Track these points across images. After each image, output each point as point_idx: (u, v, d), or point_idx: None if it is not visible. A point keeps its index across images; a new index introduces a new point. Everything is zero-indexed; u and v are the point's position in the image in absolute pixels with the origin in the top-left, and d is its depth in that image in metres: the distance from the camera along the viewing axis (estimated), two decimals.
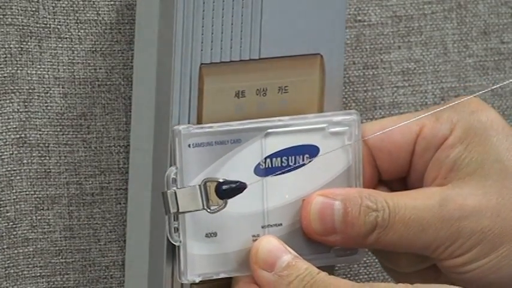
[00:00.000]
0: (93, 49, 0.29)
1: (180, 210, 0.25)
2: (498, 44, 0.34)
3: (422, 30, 0.33)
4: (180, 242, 0.25)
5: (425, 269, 0.26)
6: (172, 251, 0.26)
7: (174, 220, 0.25)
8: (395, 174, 0.27)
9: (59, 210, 0.29)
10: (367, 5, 0.32)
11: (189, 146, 0.24)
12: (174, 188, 0.25)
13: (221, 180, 0.24)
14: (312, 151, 0.26)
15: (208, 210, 0.24)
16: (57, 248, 0.29)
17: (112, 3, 0.29)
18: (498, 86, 0.30)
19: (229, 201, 0.24)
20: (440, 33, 0.33)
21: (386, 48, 0.33)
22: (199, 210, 0.24)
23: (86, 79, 0.29)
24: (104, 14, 0.29)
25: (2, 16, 0.28)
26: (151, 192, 0.27)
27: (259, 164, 0.25)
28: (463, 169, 0.26)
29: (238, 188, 0.24)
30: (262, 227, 0.25)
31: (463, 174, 0.26)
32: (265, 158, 0.25)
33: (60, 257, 0.29)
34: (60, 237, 0.29)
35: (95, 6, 0.29)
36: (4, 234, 0.28)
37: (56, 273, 0.29)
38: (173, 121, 0.26)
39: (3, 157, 0.28)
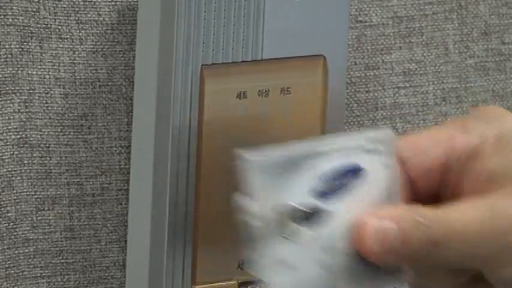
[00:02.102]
0: (94, 50, 0.29)
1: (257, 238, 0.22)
2: (499, 44, 0.33)
3: (423, 31, 0.33)
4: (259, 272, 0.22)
5: (463, 283, 0.25)
6: (174, 253, 0.26)
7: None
8: (429, 190, 0.26)
9: (60, 211, 0.29)
10: (368, 6, 0.32)
11: (258, 172, 0.22)
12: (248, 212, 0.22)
13: (295, 205, 0.22)
14: (356, 171, 0.24)
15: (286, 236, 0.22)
16: (57, 249, 0.29)
17: (113, 3, 0.28)
18: None
19: None
20: (441, 33, 0.33)
21: (388, 49, 0.33)
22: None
23: (87, 80, 0.29)
24: (105, 14, 0.28)
25: (2, 16, 0.27)
26: (152, 192, 0.27)
27: (313, 185, 0.23)
28: (502, 178, 0.25)
29: (314, 213, 0.22)
30: (324, 252, 0.23)
31: (504, 183, 0.25)
32: (319, 179, 0.23)
33: (60, 257, 0.29)
34: (61, 238, 0.29)
35: (95, 6, 0.28)
36: (5, 234, 0.28)
37: (56, 274, 0.29)
38: (174, 122, 0.26)
39: (3, 157, 0.27)
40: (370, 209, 0.24)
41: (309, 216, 0.22)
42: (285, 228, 0.22)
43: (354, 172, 0.23)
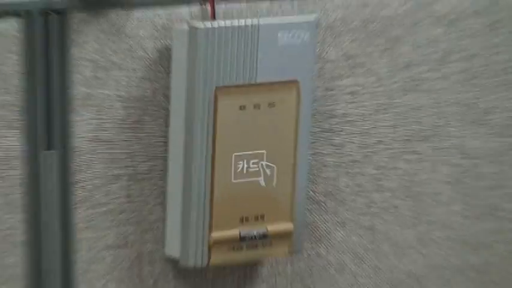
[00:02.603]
0: (143, 77, 0.36)
1: None
2: (417, 74, 0.41)
3: (364, 64, 0.40)
4: None
5: None
6: (197, 211, 0.35)
7: None
8: None
9: (121, 184, 0.37)
10: (327, 47, 0.39)
11: None
12: None
13: None
14: None
15: None
16: (121, 209, 0.37)
17: (155, 44, 0.36)
18: None
19: None
20: (376, 66, 0.41)
21: (340, 76, 0.40)
22: None
23: (138, 97, 0.36)
24: (150, 53, 0.36)
25: (81, 54, 0.34)
26: (183, 173, 0.35)
27: None
28: None
29: None
30: None
31: None
32: None
33: (122, 214, 0.37)
34: (123, 202, 0.37)
35: (144, 48, 0.35)
36: (84, 199, 0.36)
37: (120, 225, 0.37)
38: (197, 124, 0.34)
39: (83, 149, 0.36)
40: None
41: None
42: None
43: None
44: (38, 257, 0.36)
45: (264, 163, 0.37)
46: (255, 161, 0.36)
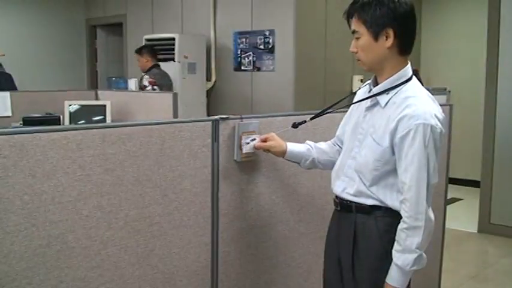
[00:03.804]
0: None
1: (243, 145, 2.10)
2: None
3: None
4: (238, 151, 2.07)
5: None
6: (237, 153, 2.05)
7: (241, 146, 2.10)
8: (264, 141, 1.99)
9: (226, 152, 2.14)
10: None
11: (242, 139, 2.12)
12: (240, 144, 2.08)
13: (246, 142, 2.11)
14: (255, 139, 1.97)
15: (245, 145, 2.10)
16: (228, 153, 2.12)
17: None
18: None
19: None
20: None
21: None
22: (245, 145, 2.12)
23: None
24: (230, 126, 2.08)
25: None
26: (237, 144, 2.10)
27: (249, 140, 2.09)
28: (273, 142, 1.98)
29: (247, 143, 2.10)
30: (250, 147, 2.11)
31: (273, 142, 1.94)
32: (251, 139, 2.07)
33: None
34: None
35: (230, 128, 2.09)
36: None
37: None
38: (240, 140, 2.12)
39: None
40: (256, 143, 1.92)
41: (246, 143, 1.96)
42: (244, 144, 2.01)
43: (253, 140, 1.94)
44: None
45: None
46: None
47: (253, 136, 1.93)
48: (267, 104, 5.22)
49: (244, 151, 1.92)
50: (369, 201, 1.56)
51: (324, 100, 5.21)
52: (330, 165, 1.83)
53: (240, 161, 1.93)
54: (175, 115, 3.78)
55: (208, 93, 5.70)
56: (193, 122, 1.80)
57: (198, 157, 1.82)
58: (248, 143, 1.94)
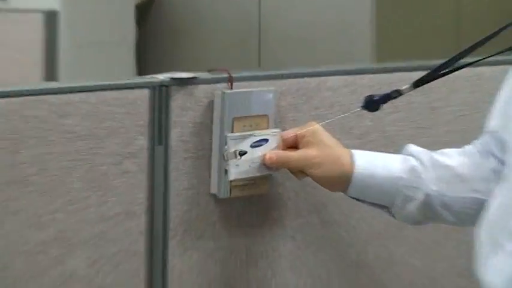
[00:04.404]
0: (202, 122, 0.80)
1: (228, 159, 0.80)
2: None
3: None
4: (228, 168, 0.79)
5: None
6: (225, 172, 0.79)
7: (226, 161, 0.79)
8: (291, 146, 0.78)
9: (192, 163, 0.85)
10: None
11: (230, 139, 0.78)
12: (226, 153, 0.80)
13: (239, 150, 0.79)
14: (266, 140, 0.78)
15: (236, 159, 0.79)
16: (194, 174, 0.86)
17: (209, 101, 0.81)
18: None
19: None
20: None
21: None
22: (233, 159, 0.80)
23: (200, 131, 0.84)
24: (202, 103, 0.79)
25: (177, 116, 0.86)
26: (219, 153, 0.80)
27: (251, 144, 0.78)
28: (310, 144, 0.74)
29: (245, 152, 0.80)
30: (252, 162, 0.80)
31: (310, 146, 0.74)
32: (253, 142, 0.78)
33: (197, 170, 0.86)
34: (191, 171, 0.85)
35: (202, 103, 0.81)
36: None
37: (193, 178, 0.85)
38: (225, 134, 0.81)
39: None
40: (270, 151, 0.78)
41: (242, 153, 0.77)
42: (236, 156, 0.78)
43: (266, 140, 0.78)
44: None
45: None
46: None
47: (263, 133, 0.82)
48: (298, 44, 2.23)
49: (234, 175, 0.81)
50: None
51: (457, 42, 2.29)
52: (473, 212, 0.68)
53: (226, 198, 0.83)
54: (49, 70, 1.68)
55: (142, 13, 2.33)
56: (96, 92, 0.75)
57: (111, 189, 0.76)
58: (245, 154, 0.80)
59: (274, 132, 0.81)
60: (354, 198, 0.75)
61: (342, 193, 0.75)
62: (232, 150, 0.78)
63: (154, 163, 0.79)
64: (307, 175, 0.76)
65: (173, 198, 0.80)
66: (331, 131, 0.78)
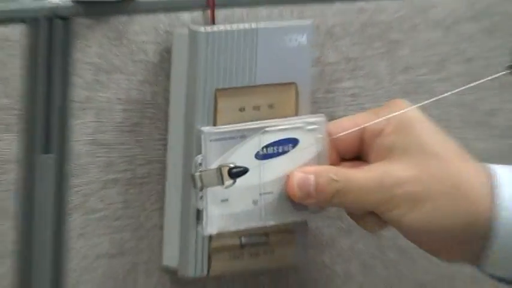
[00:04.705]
0: (143, 80, 0.37)
1: (204, 186, 0.33)
2: (415, 77, 0.42)
3: (364, 67, 0.41)
4: (203, 206, 0.33)
5: (361, 216, 0.35)
6: (197, 216, 0.34)
7: (200, 191, 0.34)
8: (352, 155, 0.36)
9: (119, 189, 0.36)
10: (326, 50, 0.40)
11: (210, 140, 0.34)
12: (200, 170, 0.33)
13: (232, 166, 0.33)
14: (294, 142, 0.35)
15: (223, 185, 0.33)
16: (116, 215, 0.36)
17: (156, 48, 0.36)
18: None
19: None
20: (376, 68, 0.42)
21: (340, 79, 0.41)
22: (216, 186, 0.33)
23: (138, 100, 0.37)
24: (151, 56, 0.36)
25: (83, 58, 0.35)
26: (182, 175, 0.35)
27: (258, 152, 0.34)
28: (395, 151, 0.34)
29: (244, 171, 0.33)
30: (260, 194, 0.34)
31: (396, 155, 0.34)
32: (262, 148, 0.34)
33: (118, 221, 0.37)
34: (119, 208, 0.36)
35: (144, 50, 0.36)
36: (80, 205, 0.36)
37: (115, 232, 0.36)
38: (196, 128, 0.35)
39: (81, 152, 0.35)
40: (301, 166, 0.33)
41: (238, 172, 0.32)
42: (223, 180, 0.32)
43: (292, 142, 0.34)
44: (28, 267, 0.34)
45: None
46: None
47: (286, 125, 0.36)
48: None
49: (218, 225, 0.34)
50: None
51: None
52: None
53: (199, 279, 0.36)
54: None
55: None
56: None
57: None
58: (244, 174, 0.33)
59: (313, 122, 0.36)
60: (494, 277, 0.36)
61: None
62: (215, 165, 0.33)
63: (34, 195, 0.35)
64: (389, 223, 0.35)
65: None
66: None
